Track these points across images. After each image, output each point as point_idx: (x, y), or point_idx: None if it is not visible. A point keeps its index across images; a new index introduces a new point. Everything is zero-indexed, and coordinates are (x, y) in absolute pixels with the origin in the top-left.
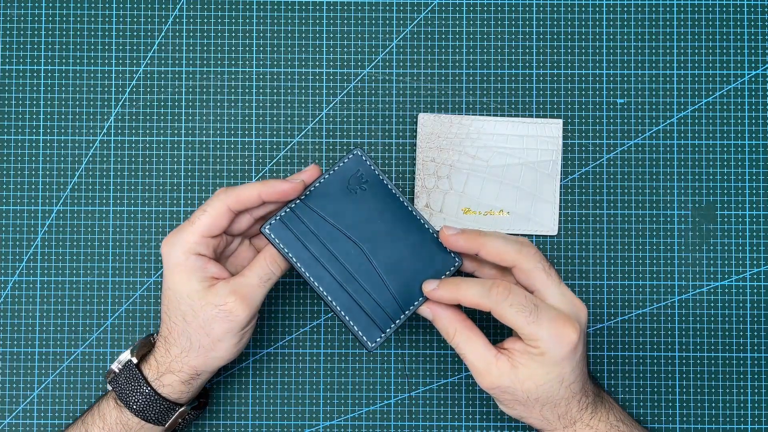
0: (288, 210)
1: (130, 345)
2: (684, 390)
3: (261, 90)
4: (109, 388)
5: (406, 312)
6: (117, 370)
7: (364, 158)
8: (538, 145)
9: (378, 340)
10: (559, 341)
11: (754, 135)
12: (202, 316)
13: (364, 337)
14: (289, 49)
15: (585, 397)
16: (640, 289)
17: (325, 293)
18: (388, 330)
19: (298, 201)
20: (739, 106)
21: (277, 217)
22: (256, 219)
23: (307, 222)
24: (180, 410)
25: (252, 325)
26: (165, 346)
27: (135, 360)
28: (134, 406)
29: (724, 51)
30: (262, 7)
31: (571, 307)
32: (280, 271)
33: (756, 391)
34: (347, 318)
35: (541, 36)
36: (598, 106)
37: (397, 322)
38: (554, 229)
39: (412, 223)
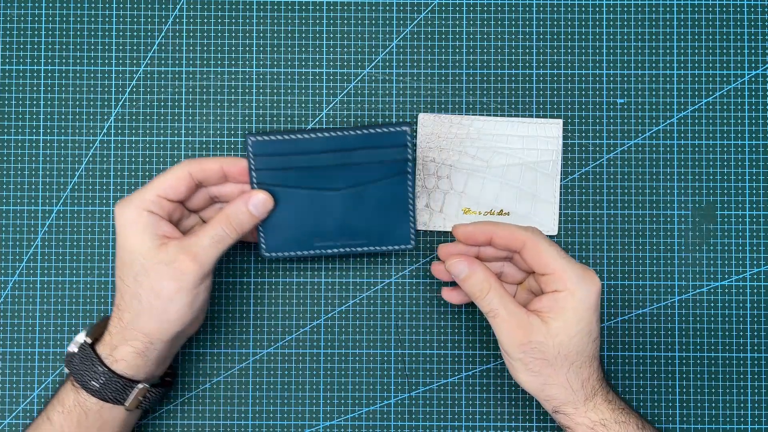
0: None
1: None
2: (684, 390)
3: (261, 90)
4: (67, 371)
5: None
6: (73, 352)
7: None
8: (538, 145)
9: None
10: (585, 284)
11: (754, 135)
12: (153, 274)
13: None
14: (289, 49)
15: (600, 367)
16: (640, 289)
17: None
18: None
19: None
20: (739, 106)
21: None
22: (213, 197)
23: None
24: (139, 387)
25: (205, 288)
26: (118, 314)
27: (89, 340)
28: (89, 387)
29: (724, 51)
30: (262, 7)
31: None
32: (236, 234)
33: (756, 391)
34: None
35: (541, 36)
36: (598, 106)
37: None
38: (554, 229)
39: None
